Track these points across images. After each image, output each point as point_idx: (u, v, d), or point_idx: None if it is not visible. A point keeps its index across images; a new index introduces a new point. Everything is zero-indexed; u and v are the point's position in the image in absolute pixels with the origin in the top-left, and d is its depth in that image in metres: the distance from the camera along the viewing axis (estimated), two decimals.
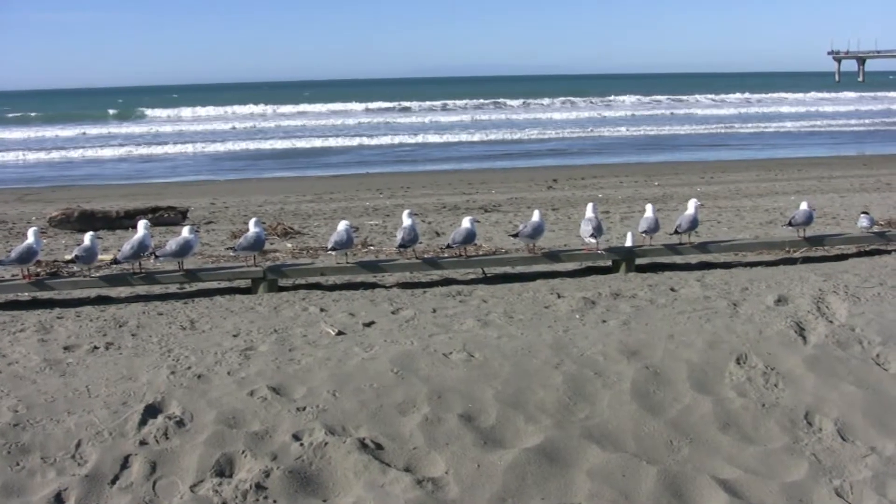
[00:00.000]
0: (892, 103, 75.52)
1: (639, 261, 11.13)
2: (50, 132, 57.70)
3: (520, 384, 6.95)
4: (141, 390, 6.81)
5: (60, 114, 74.92)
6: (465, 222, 10.87)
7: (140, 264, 10.47)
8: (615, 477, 5.93)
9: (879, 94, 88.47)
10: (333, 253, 10.73)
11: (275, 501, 5.66)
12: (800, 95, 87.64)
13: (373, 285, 10.61)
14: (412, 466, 6.03)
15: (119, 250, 10.88)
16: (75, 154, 42.54)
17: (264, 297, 10.00)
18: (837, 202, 18.28)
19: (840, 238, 12.15)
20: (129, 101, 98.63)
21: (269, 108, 77.61)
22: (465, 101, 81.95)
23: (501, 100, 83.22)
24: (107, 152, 43.24)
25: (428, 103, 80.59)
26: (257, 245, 10.68)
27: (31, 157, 41.77)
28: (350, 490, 5.78)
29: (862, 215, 12.16)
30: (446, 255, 11.11)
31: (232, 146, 45.36)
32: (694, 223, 11.31)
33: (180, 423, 6.35)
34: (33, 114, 75.72)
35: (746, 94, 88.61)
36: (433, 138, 47.77)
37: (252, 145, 45.67)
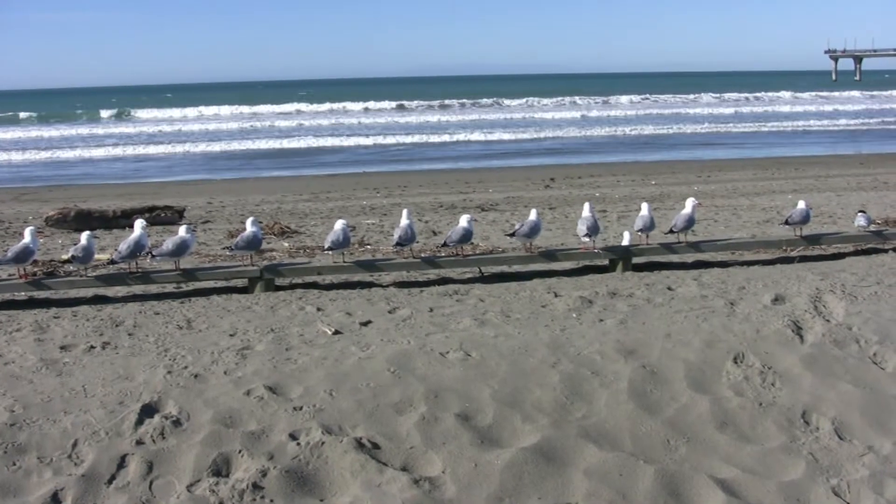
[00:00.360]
0: (888, 102, 75.57)
1: (636, 260, 11.14)
2: (45, 132, 57.69)
3: (517, 383, 6.95)
4: (137, 390, 6.80)
5: (54, 113, 74.84)
6: (463, 221, 10.87)
7: (137, 264, 10.46)
8: (612, 476, 5.93)
9: (876, 92, 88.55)
10: (330, 252, 10.72)
11: (271, 501, 5.65)
12: (797, 94, 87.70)
13: (370, 284, 10.61)
14: (409, 466, 6.02)
15: (116, 250, 10.86)
16: (70, 154, 42.50)
17: (261, 297, 10.00)
18: (834, 201, 18.30)
19: (837, 237, 12.16)
20: (125, 100, 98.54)
21: (266, 108, 77.55)
22: (462, 101, 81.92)
23: (499, 99, 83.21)
24: (102, 152, 43.19)
25: (426, 102, 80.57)
26: (254, 244, 10.67)
27: (25, 156, 41.69)
28: (347, 489, 5.77)
29: (859, 214, 12.17)
30: (443, 255, 11.11)
31: (228, 146, 45.31)
32: (689, 222, 11.31)
33: (177, 423, 6.34)
34: (31, 114, 75.48)
35: (744, 94, 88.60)
36: (430, 137, 47.76)
37: (248, 145, 45.62)
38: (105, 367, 7.38)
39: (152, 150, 43.93)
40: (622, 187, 23.40)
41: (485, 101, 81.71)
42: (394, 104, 79.31)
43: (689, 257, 11.66)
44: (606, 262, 11.11)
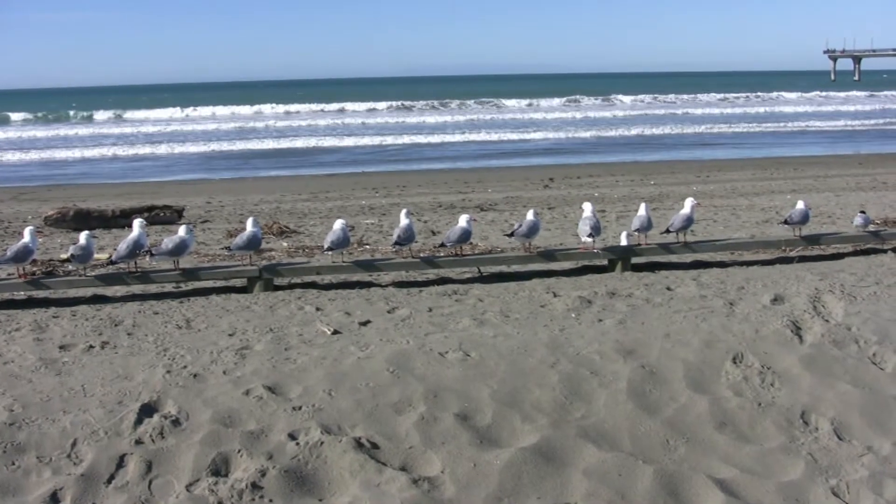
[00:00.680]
0: (887, 102, 75.61)
1: (635, 260, 11.14)
2: (43, 131, 57.70)
3: (516, 383, 6.95)
4: (137, 389, 6.79)
5: (52, 112, 74.78)
6: (462, 221, 10.87)
7: (136, 263, 10.45)
8: (611, 476, 5.93)
9: (875, 93, 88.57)
10: (330, 252, 10.72)
11: (270, 501, 5.65)
12: (796, 94, 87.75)
13: (369, 284, 10.60)
14: (408, 466, 6.02)
15: (115, 249, 10.86)
16: (68, 153, 42.43)
17: (260, 297, 9.99)
18: (833, 201, 18.30)
19: (836, 237, 12.17)
20: (124, 100, 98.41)
21: (265, 108, 77.52)
22: (461, 101, 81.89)
23: (498, 99, 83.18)
24: (100, 151, 43.11)
25: (425, 102, 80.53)
26: (253, 244, 10.67)
27: (23, 156, 41.63)
28: (346, 489, 5.77)
29: (858, 214, 12.18)
30: (442, 254, 11.11)
31: (227, 146, 45.30)
32: (687, 222, 11.30)
33: (176, 423, 6.34)
34: (28, 114, 75.41)
35: (743, 94, 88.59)
36: (429, 137, 47.74)
37: (247, 145, 45.61)
38: (104, 367, 7.37)
39: (151, 149, 43.88)
40: (621, 187, 23.41)
41: (484, 100, 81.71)
42: (392, 104, 79.28)
43: (688, 257, 11.66)
44: (605, 262, 11.11)
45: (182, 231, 10.38)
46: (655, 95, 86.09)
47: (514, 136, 47.61)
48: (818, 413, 6.68)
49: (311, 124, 60.41)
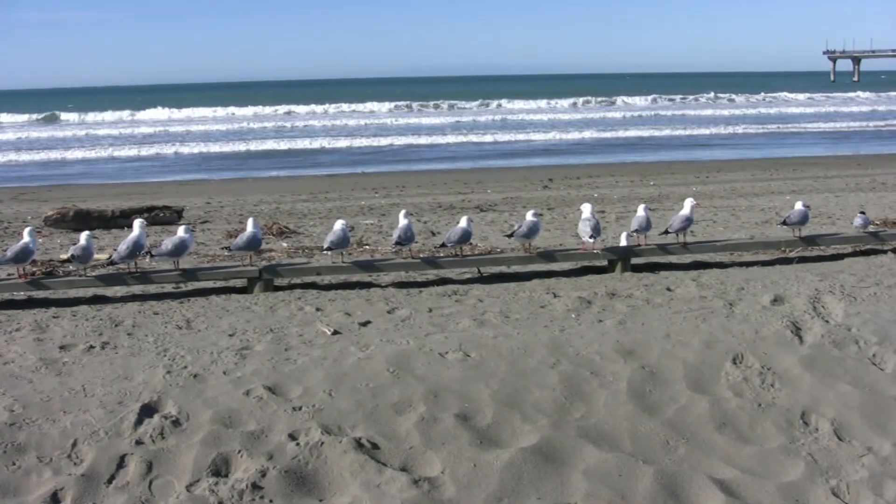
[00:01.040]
0: (887, 103, 75.61)
1: (634, 260, 11.14)
2: (43, 132, 57.68)
3: (516, 384, 6.95)
4: (137, 390, 6.80)
5: (52, 113, 74.73)
6: (462, 222, 10.88)
7: (136, 264, 10.45)
8: (611, 477, 5.94)
9: (874, 94, 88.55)
10: (329, 252, 10.72)
11: (271, 501, 5.65)
12: (795, 95, 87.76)
13: (369, 285, 10.61)
14: (408, 466, 6.03)
15: (115, 250, 10.86)
16: (68, 154, 42.42)
17: (260, 297, 9.99)
18: (833, 202, 18.31)
19: (836, 238, 12.17)
20: (124, 100, 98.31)
21: (265, 109, 77.54)
22: (461, 101, 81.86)
23: (498, 99, 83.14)
24: (99, 152, 43.09)
25: (425, 103, 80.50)
26: (253, 244, 10.67)
27: (22, 156, 41.67)
28: (346, 490, 5.78)
29: (857, 215, 12.19)
30: (442, 255, 11.11)
31: (226, 146, 45.31)
32: (687, 223, 11.30)
33: (176, 423, 6.34)
34: (29, 114, 75.36)
35: (742, 94, 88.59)
36: (429, 138, 47.74)
37: (247, 145, 45.61)
38: (104, 367, 7.37)
39: (151, 150, 43.87)
40: (621, 188, 23.41)
41: (484, 101, 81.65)
42: (392, 105, 79.28)
43: (688, 258, 11.66)
44: (605, 262, 11.11)
45: (182, 231, 10.38)
46: (654, 96, 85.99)
47: (514, 137, 47.59)
48: (818, 414, 6.69)
49: (311, 125, 60.45)
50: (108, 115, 73.39)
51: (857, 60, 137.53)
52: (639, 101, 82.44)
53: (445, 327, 8.37)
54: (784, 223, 11.65)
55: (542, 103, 78.83)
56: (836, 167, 28.12)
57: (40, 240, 13.54)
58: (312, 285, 10.59)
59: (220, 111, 76.14)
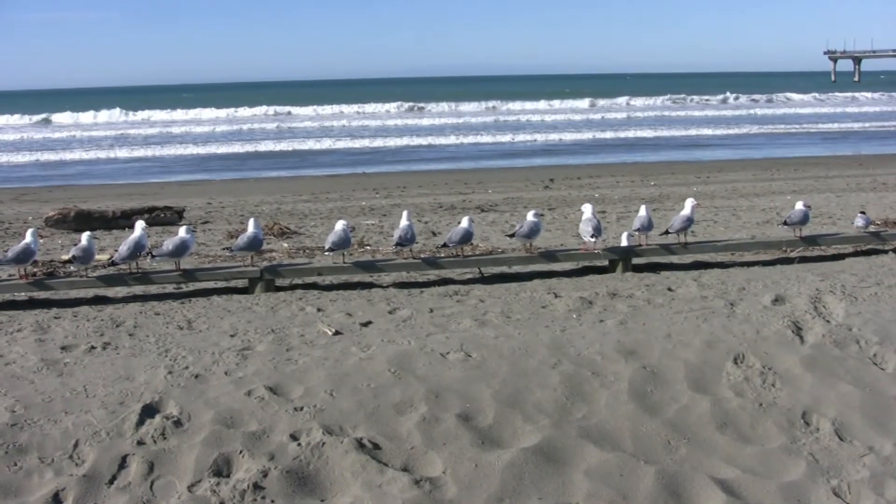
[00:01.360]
0: (888, 104, 75.56)
1: (635, 260, 11.14)
2: (44, 132, 57.69)
3: (517, 384, 6.95)
4: (138, 390, 6.80)
5: (54, 114, 74.71)
6: (464, 222, 10.88)
7: (137, 264, 10.45)
8: (613, 477, 5.94)
9: (875, 94, 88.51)
10: (330, 253, 10.72)
11: (272, 501, 5.66)
12: (795, 95, 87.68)
13: (370, 285, 10.61)
14: (410, 466, 6.03)
15: (116, 250, 10.86)
16: (69, 154, 42.42)
17: (261, 297, 10.00)
18: (834, 202, 18.31)
19: (836, 238, 12.17)
20: (123, 101, 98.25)
21: (266, 109, 77.55)
22: (462, 101, 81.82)
23: (499, 100, 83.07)
24: (100, 153, 43.04)
25: (425, 103, 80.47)
26: (254, 245, 10.67)
27: (24, 157, 41.65)
28: (348, 490, 5.78)
29: (858, 215, 12.19)
30: (443, 255, 11.12)
31: (227, 146, 45.30)
32: (688, 223, 11.30)
33: (178, 423, 6.35)
34: (29, 115, 75.35)
35: (742, 94, 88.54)
36: (429, 138, 47.72)
37: (247, 146, 45.60)
38: (106, 368, 7.38)
39: (151, 150, 43.88)
40: (621, 188, 23.42)
41: (484, 101, 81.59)
42: (393, 105, 79.25)
43: (689, 258, 11.66)
44: (606, 262, 11.11)
45: (183, 232, 10.39)
46: (654, 97, 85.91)
47: (515, 137, 47.58)
48: (819, 413, 6.69)
49: (311, 125, 60.44)
50: (109, 116, 73.35)
51: (857, 60, 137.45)
52: (640, 101, 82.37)
53: (447, 327, 8.37)
54: (784, 223, 11.65)
55: (543, 103, 78.74)
56: (837, 167, 28.11)
57: (41, 240, 13.56)
58: (314, 286, 10.59)
59: (221, 112, 76.10)
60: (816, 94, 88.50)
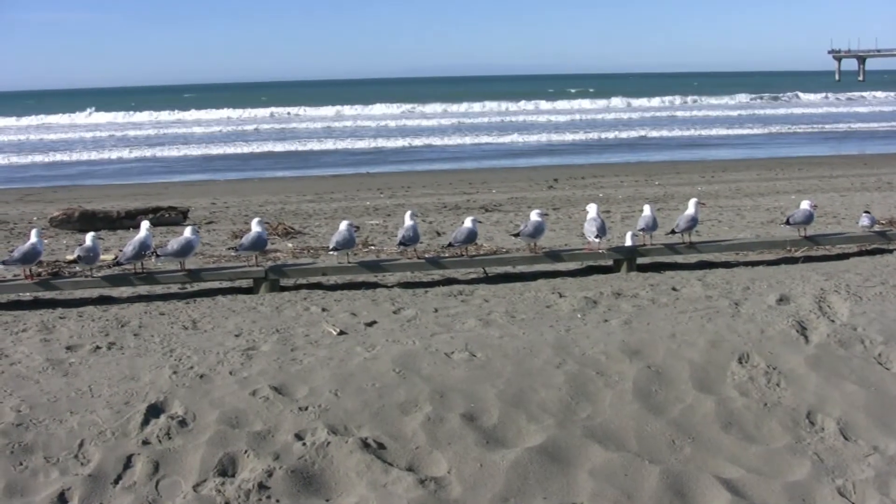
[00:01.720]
0: (893, 103, 75.40)
1: (640, 260, 11.14)
2: (48, 134, 57.81)
3: (522, 384, 6.95)
4: (143, 390, 6.81)
5: (55, 114, 74.79)
6: (468, 222, 10.89)
7: (142, 264, 10.47)
8: (617, 476, 5.94)
9: (880, 93, 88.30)
10: (335, 253, 10.73)
11: (277, 501, 5.66)
12: (800, 94, 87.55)
13: (374, 285, 10.62)
14: (414, 466, 6.03)
15: (120, 250, 10.89)
16: (73, 155, 42.44)
17: (266, 297, 10.01)
18: (838, 201, 18.29)
19: (841, 237, 12.16)
20: (125, 101, 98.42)
21: (269, 110, 77.66)
22: (464, 102, 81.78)
23: (502, 100, 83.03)
24: (104, 153, 43.05)
25: (428, 104, 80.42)
26: (259, 245, 10.68)
27: (27, 158, 41.68)
28: (352, 490, 5.79)
29: (863, 214, 12.17)
30: (447, 255, 11.12)
31: (231, 147, 45.30)
32: (692, 223, 11.30)
33: (183, 423, 6.36)
34: (30, 115, 75.40)
35: (747, 94, 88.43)
36: (433, 138, 47.70)
37: (251, 146, 45.59)
38: (111, 368, 7.39)
39: (155, 150, 43.90)
40: (626, 188, 23.40)
41: (487, 101, 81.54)
42: (396, 105, 79.26)
43: (694, 258, 11.65)
44: (611, 262, 11.11)
45: (188, 232, 10.40)
46: (658, 97, 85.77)
47: (518, 137, 47.52)
48: (824, 413, 6.68)
49: (316, 126, 60.46)
50: (111, 116, 73.36)
51: (862, 60, 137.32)
52: (643, 101, 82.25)
53: (451, 327, 8.38)
54: (787, 222, 11.64)
55: (545, 103, 78.67)
56: (842, 167, 28.06)
57: (46, 241, 13.58)
58: (318, 286, 10.61)
59: (223, 112, 76.12)
60: (820, 94, 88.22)
